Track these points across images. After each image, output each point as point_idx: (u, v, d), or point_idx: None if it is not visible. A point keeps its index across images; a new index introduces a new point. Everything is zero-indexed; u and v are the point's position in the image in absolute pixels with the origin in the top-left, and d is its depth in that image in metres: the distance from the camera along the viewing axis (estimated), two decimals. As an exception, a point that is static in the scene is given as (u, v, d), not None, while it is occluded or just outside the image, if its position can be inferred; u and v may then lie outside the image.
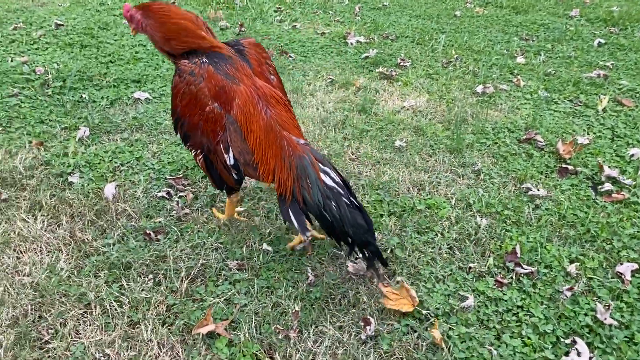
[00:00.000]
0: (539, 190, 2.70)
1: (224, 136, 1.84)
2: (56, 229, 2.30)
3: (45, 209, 2.38)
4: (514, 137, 3.27)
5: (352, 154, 3.05)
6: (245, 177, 2.00)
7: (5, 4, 5.18)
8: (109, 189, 2.51)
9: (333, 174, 1.80)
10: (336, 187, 1.76)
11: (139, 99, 3.51)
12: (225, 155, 1.86)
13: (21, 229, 2.25)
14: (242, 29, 5.04)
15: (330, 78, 4.04)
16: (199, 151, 1.93)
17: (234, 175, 1.91)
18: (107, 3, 5.49)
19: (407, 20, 5.79)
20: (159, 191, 2.56)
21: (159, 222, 2.36)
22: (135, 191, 2.56)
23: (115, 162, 2.77)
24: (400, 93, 3.91)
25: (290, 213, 1.80)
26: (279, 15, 5.64)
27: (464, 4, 6.56)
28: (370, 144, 3.17)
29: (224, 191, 2.12)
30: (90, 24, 4.79)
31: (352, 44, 4.89)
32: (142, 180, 2.63)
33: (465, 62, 4.47)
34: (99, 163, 2.76)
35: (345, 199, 1.75)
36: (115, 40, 4.51)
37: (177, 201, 2.50)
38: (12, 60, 3.94)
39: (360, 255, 1.83)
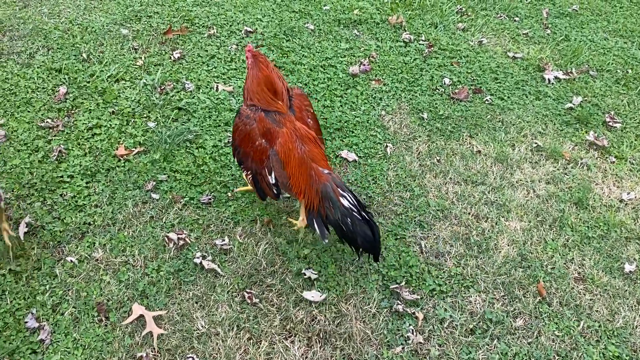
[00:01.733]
0: None
1: (268, 163, 2.50)
2: None
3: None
4: None
5: (577, 272, 2.91)
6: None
7: None
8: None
9: (349, 197, 2.39)
10: (352, 207, 2.37)
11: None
12: (269, 177, 2.52)
13: None
14: (431, 48, 4.79)
15: (535, 143, 3.81)
16: (249, 172, 2.62)
17: (274, 191, 2.56)
18: None
19: (604, 41, 5.25)
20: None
21: None
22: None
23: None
24: (615, 175, 3.63)
25: (315, 223, 2.45)
26: (461, 20, 5.28)
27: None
28: (593, 259, 3.00)
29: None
30: (278, 29, 4.74)
31: (550, 81, 4.54)
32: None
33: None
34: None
35: (357, 216, 2.36)
36: (301, 49, 4.46)
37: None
38: (217, 89, 4.01)
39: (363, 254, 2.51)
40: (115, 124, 3.60)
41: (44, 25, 4.57)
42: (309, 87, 4.16)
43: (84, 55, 4.25)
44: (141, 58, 4.24)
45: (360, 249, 2.43)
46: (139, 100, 3.83)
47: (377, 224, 2.64)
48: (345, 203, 2.36)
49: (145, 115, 3.72)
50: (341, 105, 4.02)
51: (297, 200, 2.74)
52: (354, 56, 4.62)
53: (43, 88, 3.88)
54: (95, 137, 3.50)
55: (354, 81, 4.29)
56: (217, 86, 4.04)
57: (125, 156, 3.37)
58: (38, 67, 4.05)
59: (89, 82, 3.96)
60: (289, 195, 2.82)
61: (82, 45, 4.38)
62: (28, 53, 4.21)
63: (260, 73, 2.50)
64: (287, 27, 4.90)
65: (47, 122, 3.55)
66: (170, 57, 4.30)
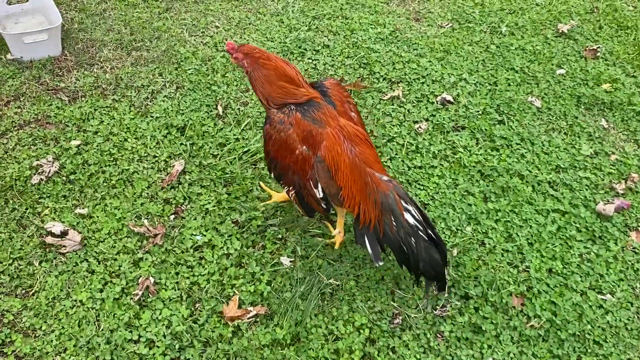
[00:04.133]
0: None
1: (312, 174, 2.07)
2: None
3: None
4: None
5: None
6: None
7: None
8: None
9: (414, 211, 2.01)
10: (417, 224, 1.99)
11: None
12: (315, 190, 2.10)
13: None
14: None
15: None
16: (291, 187, 2.15)
17: (323, 205, 2.13)
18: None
19: None
20: None
21: None
22: None
23: None
24: None
25: (366, 240, 2.07)
26: None
27: None
28: None
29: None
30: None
31: None
32: None
33: None
34: None
35: (423, 235, 1.99)
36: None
37: None
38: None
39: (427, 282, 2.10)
40: (235, 249, 2.39)
41: (180, 47, 3.44)
42: (526, 227, 2.66)
43: (220, 108, 3.06)
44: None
45: (422, 276, 2.07)
46: (284, 209, 2.58)
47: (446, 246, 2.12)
48: (410, 219, 2.01)
49: (282, 242, 2.47)
50: (581, 279, 2.47)
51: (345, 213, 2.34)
52: (600, 171, 3.00)
53: (154, 157, 2.75)
54: (200, 268, 2.32)
55: (602, 228, 2.70)
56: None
57: (236, 320, 2.15)
58: (156, 119, 2.93)
59: (216, 158, 2.78)
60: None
61: (222, 89, 3.19)
62: (150, 91, 3.11)
63: (266, 70, 2.07)
64: (501, 98, 3.38)
65: (143, 225, 2.42)
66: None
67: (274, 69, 2.06)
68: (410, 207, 2.02)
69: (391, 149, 2.99)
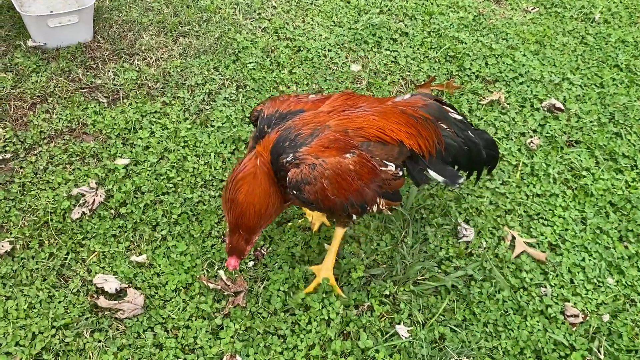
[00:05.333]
0: None
1: (374, 160, 1.73)
2: None
3: None
4: None
5: None
6: None
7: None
8: None
9: (448, 106, 1.89)
10: (460, 117, 1.90)
11: None
12: (389, 166, 1.77)
13: None
14: None
15: None
16: (379, 199, 1.79)
17: (399, 174, 1.81)
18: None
19: None
20: None
21: None
22: None
23: None
24: None
25: (431, 172, 1.84)
26: None
27: None
28: None
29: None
30: None
31: None
32: None
33: None
34: None
35: (468, 123, 1.92)
36: None
37: None
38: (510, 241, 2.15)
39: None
40: (337, 312, 1.88)
41: (236, 33, 2.83)
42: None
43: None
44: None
45: (485, 166, 1.99)
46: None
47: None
48: (455, 115, 1.90)
49: (391, 300, 1.97)
50: None
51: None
52: None
53: (222, 182, 2.20)
54: (295, 338, 1.83)
55: None
56: (512, 236, 2.20)
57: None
58: (218, 130, 2.37)
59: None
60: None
61: (291, 89, 2.62)
62: (206, 91, 2.52)
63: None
64: (614, 104, 2.85)
65: (219, 279, 1.90)
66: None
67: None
68: (446, 105, 1.90)
69: (502, 171, 2.46)
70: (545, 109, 2.79)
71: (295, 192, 1.64)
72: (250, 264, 2.00)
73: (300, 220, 2.14)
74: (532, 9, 3.51)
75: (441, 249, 2.14)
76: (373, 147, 1.75)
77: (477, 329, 1.93)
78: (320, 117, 1.71)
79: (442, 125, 1.85)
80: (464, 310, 1.97)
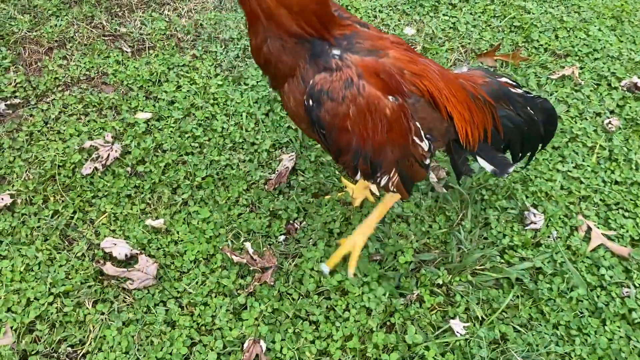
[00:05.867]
0: None
1: (413, 126, 1.40)
2: None
3: None
4: None
5: None
6: None
7: None
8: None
9: (507, 78, 1.59)
10: (521, 91, 1.59)
11: None
12: (422, 144, 1.44)
13: None
14: None
15: None
16: (392, 172, 1.46)
17: (427, 162, 1.50)
18: None
19: None
20: None
21: None
22: None
23: None
24: None
25: (480, 160, 1.58)
26: None
27: None
28: None
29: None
30: None
31: None
32: None
33: None
34: None
35: (528, 94, 1.60)
36: None
37: None
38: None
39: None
40: (380, 300, 1.59)
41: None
42: None
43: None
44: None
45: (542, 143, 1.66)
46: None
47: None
48: (517, 90, 1.57)
49: (444, 291, 1.68)
50: None
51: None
52: None
53: (253, 145, 1.93)
54: (330, 326, 1.55)
55: None
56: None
57: None
58: (252, 88, 2.10)
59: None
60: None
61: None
62: (241, 47, 2.26)
63: None
64: None
65: (245, 252, 1.63)
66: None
67: None
68: (504, 78, 1.59)
69: (575, 152, 2.12)
70: (625, 89, 2.43)
71: (309, 103, 1.29)
72: (281, 238, 1.72)
73: (339, 194, 1.86)
74: (606, -18, 3.14)
75: (504, 236, 1.82)
76: (420, 107, 1.43)
77: (546, 331, 1.61)
78: (384, 41, 1.39)
79: (501, 105, 1.56)
80: (531, 307, 1.66)
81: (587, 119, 2.28)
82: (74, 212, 1.70)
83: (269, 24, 1.21)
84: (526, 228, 1.87)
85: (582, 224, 1.90)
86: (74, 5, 2.31)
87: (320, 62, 1.28)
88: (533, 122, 1.60)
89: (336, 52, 1.30)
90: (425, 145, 1.46)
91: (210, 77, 2.11)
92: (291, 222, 1.77)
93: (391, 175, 1.49)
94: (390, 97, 1.34)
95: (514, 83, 1.61)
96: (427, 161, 1.51)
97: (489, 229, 1.84)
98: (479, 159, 1.59)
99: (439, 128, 1.48)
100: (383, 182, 1.49)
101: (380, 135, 1.37)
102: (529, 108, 1.60)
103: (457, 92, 1.47)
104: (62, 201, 1.72)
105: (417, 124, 1.41)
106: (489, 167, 1.59)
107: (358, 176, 1.47)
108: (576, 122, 2.25)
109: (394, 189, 1.53)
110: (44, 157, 1.79)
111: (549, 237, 1.86)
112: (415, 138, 1.43)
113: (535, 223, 1.87)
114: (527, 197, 1.96)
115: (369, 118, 1.33)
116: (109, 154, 1.80)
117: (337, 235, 1.75)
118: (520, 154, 1.68)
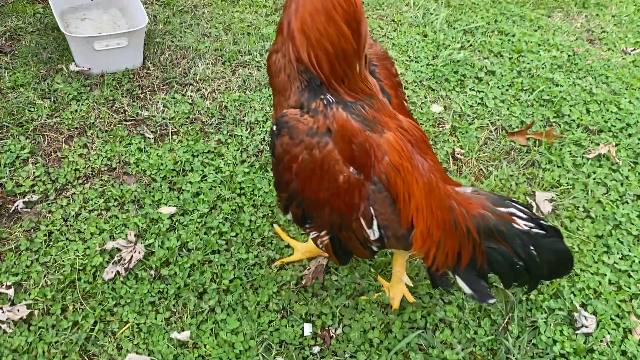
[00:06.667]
0: None
1: (365, 209, 1.33)
2: None
3: None
4: None
5: None
6: None
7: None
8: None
9: (518, 210, 1.37)
10: (529, 224, 1.36)
11: None
12: (368, 230, 1.36)
13: None
14: None
15: None
16: (323, 233, 1.41)
17: (373, 248, 1.41)
18: None
19: None
20: None
21: None
22: None
23: None
24: None
25: (459, 279, 1.41)
26: None
27: None
28: None
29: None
30: None
31: None
32: None
33: None
34: None
35: (539, 230, 1.36)
36: None
37: None
38: None
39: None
40: None
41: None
42: None
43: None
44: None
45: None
46: None
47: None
48: (522, 223, 1.35)
49: None
50: None
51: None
52: None
53: (271, 239, 1.82)
54: None
55: None
56: None
57: None
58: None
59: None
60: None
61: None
62: (268, 130, 2.17)
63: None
64: None
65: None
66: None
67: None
68: (513, 209, 1.38)
69: (620, 241, 2.01)
70: (661, 168, 2.34)
71: (274, 127, 1.29)
72: (316, 349, 1.60)
73: (376, 295, 1.74)
74: (631, 50, 3.09)
75: (555, 342, 1.70)
76: (380, 199, 1.35)
77: None
78: (392, 122, 1.34)
79: (492, 241, 1.38)
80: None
81: (628, 203, 2.17)
82: (95, 323, 1.58)
83: (286, 40, 1.22)
84: (577, 332, 1.74)
85: (637, 325, 1.77)
86: (94, 88, 2.24)
87: (306, 95, 1.25)
88: (534, 264, 1.40)
89: (329, 97, 1.26)
90: (372, 234, 1.38)
91: (237, 164, 2.03)
92: (325, 328, 1.65)
93: (321, 234, 1.43)
94: (352, 169, 1.29)
95: (524, 215, 1.40)
96: (374, 248, 1.42)
97: (537, 333, 1.71)
98: (457, 278, 1.44)
99: (395, 229, 1.39)
100: (312, 235, 1.44)
101: (323, 194, 1.32)
102: (532, 248, 1.39)
103: (437, 210, 1.36)
104: (82, 310, 1.61)
105: (372, 211, 1.34)
106: (467, 290, 1.43)
107: (289, 216, 1.42)
108: (618, 207, 2.14)
109: (323, 249, 1.46)
110: (63, 261, 1.69)
111: (601, 341, 1.73)
112: (362, 220, 1.35)
113: (586, 327, 1.74)
114: (574, 294, 1.83)
115: (317, 173, 1.29)
116: (131, 256, 1.70)
117: (377, 345, 1.62)
118: (515, 284, 1.47)
